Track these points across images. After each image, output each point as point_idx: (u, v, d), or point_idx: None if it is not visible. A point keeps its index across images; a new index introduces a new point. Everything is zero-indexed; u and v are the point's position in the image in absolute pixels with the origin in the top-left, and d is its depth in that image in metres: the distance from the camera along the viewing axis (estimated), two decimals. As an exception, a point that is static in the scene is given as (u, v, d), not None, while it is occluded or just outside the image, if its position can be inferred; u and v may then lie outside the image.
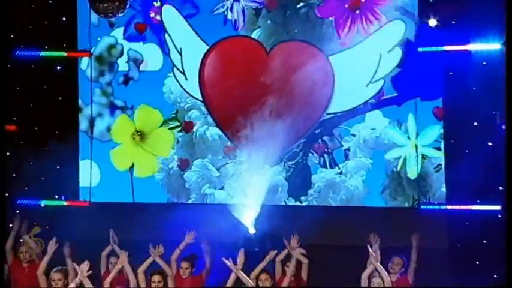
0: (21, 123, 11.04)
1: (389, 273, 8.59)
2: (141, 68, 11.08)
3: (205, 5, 10.89)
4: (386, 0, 10.30)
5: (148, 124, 11.00)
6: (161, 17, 11.03)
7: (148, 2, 11.11)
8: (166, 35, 11.03)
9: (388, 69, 10.35)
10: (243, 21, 10.74)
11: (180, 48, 10.94)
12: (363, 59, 10.42)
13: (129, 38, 11.15)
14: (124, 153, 11.16)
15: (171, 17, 11.05)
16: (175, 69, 10.96)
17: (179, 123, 10.95)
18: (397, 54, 10.29)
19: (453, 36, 9.96)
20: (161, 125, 11.06)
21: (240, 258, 8.41)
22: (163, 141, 11.06)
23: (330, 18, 10.46)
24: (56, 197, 11.11)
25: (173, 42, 10.92)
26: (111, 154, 11.22)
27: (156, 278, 8.62)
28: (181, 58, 10.93)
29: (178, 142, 10.95)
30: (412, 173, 10.26)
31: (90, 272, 8.18)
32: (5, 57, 10.77)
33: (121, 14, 8.86)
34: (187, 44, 10.96)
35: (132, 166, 11.12)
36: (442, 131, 10.17)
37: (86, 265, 8.28)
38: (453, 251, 9.88)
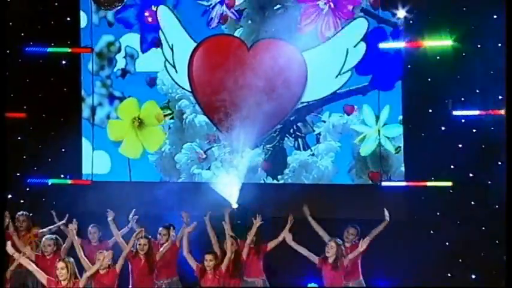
0: (31, 111, 11.01)
1: (344, 241, 8.73)
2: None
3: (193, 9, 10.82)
4: (356, 3, 10.27)
5: (149, 118, 10.92)
6: (156, 15, 10.88)
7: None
8: (160, 32, 10.88)
9: (354, 62, 10.27)
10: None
11: (172, 45, 10.87)
12: (332, 54, 10.34)
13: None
14: (120, 128, 11.02)
15: (165, 16, 10.92)
16: (167, 63, 10.84)
17: (171, 112, 10.87)
18: (362, 48, 10.22)
19: (411, 34, 9.96)
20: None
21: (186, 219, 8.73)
22: (155, 138, 10.95)
23: (304, 18, 10.30)
24: (62, 176, 11.05)
25: (166, 39, 10.85)
26: (109, 123, 11.10)
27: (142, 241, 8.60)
28: (173, 54, 10.87)
29: (169, 128, 10.85)
30: (373, 153, 10.21)
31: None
32: (16, 53, 10.94)
33: (119, 6, 9.15)
34: (178, 41, 10.86)
35: (121, 142, 11.00)
36: (401, 117, 10.12)
37: (74, 225, 8.34)
38: (411, 222, 9.89)
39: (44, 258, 8.58)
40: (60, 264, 7.33)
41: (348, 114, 10.39)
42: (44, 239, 8.77)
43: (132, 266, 8.51)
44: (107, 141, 11.12)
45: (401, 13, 9.89)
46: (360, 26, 10.29)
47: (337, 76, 10.39)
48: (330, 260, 8.20)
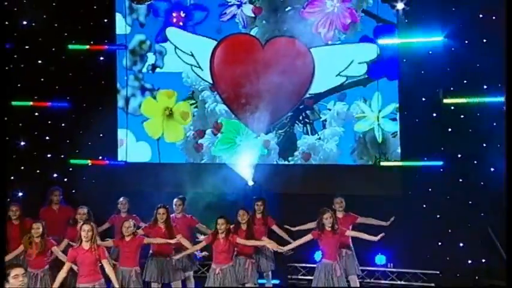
0: (74, 102, 11.07)
1: (335, 212, 8.54)
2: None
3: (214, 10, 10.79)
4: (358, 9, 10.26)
5: (170, 102, 10.93)
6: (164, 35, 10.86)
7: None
8: (177, 49, 10.86)
9: (354, 73, 10.23)
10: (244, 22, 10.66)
11: (191, 52, 10.84)
12: (339, 56, 10.33)
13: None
14: (155, 125, 10.99)
15: (175, 36, 10.86)
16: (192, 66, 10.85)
17: (195, 101, 10.86)
18: (364, 49, 10.14)
19: (406, 31, 9.94)
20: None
21: None
22: (174, 133, 10.90)
23: (312, 19, 10.35)
24: (100, 157, 11.09)
25: (182, 51, 10.81)
26: (144, 125, 11.01)
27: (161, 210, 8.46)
28: (194, 57, 10.84)
29: (194, 116, 10.88)
30: (375, 137, 10.22)
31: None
32: (60, 50, 11.09)
33: (150, 1, 9.32)
34: (196, 45, 10.79)
35: (162, 134, 10.96)
36: (397, 105, 10.15)
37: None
38: (405, 197, 9.93)
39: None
40: (87, 227, 7.17)
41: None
42: (79, 209, 8.62)
43: (153, 235, 8.32)
44: (140, 128, 11.05)
45: (400, 5, 9.85)
46: (367, 49, 10.16)
47: (339, 73, 10.32)
48: (328, 228, 7.99)
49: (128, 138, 11.08)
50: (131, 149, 11.08)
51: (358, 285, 8.80)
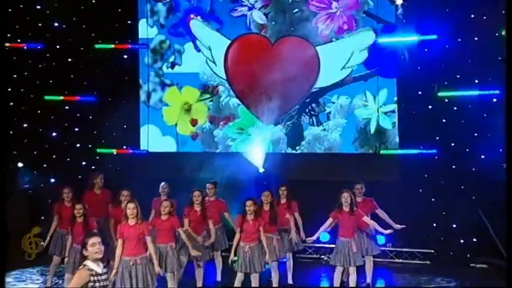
0: (100, 96, 11.09)
1: (355, 196, 8.36)
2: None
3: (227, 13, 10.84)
4: (358, 7, 10.28)
5: (192, 99, 11.01)
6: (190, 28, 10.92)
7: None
8: (197, 41, 10.91)
9: (357, 61, 10.29)
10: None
11: (209, 46, 10.91)
12: (340, 48, 10.37)
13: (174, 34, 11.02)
14: (172, 112, 11.03)
15: (198, 28, 10.92)
16: (207, 59, 10.87)
17: (210, 96, 10.94)
18: (365, 47, 10.22)
19: (404, 30, 9.96)
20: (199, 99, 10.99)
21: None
22: (186, 126, 10.95)
23: (315, 21, 10.34)
24: (124, 147, 11.16)
25: (202, 44, 10.89)
26: (163, 110, 11.03)
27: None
28: (211, 52, 10.90)
29: (209, 109, 10.92)
30: (375, 128, 10.28)
31: None
32: (88, 49, 11.13)
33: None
34: (214, 41, 10.85)
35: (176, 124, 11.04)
36: (396, 99, 10.21)
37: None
38: (403, 183, 9.97)
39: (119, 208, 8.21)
40: (132, 205, 7.19)
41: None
42: (122, 191, 8.44)
43: (189, 217, 8.32)
44: (161, 120, 11.09)
45: (399, 1, 9.85)
46: (367, 35, 10.20)
47: (342, 68, 10.37)
48: (346, 209, 7.92)
49: (149, 129, 11.10)
50: (152, 139, 11.11)
51: (372, 265, 8.63)
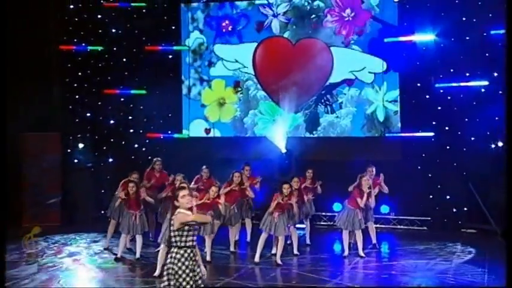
0: (149, 90, 11.24)
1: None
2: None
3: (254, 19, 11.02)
4: (366, 13, 10.48)
5: (225, 92, 11.20)
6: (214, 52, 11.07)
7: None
8: (223, 62, 11.10)
9: (364, 78, 10.47)
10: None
11: (235, 59, 11.06)
12: (351, 55, 10.53)
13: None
14: (212, 111, 11.26)
15: (220, 50, 11.09)
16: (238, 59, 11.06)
17: (241, 89, 11.08)
18: (371, 77, 10.39)
19: (405, 31, 10.15)
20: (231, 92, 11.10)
21: None
22: (227, 114, 11.17)
23: (330, 25, 10.59)
24: (169, 132, 11.35)
25: (227, 61, 11.06)
26: (205, 112, 11.19)
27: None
28: (238, 61, 11.03)
29: (240, 100, 11.13)
30: (380, 115, 10.45)
31: None
32: (140, 50, 11.28)
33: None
34: (238, 51, 10.99)
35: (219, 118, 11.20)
36: (398, 90, 10.33)
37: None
38: (404, 161, 10.14)
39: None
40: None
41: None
42: (176, 176, 8.41)
43: (228, 198, 8.36)
44: (199, 110, 11.32)
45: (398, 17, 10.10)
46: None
47: (351, 71, 10.50)
48: (364, 189, 8.06)
49: (190, 117, 11.33)
50: (193, 126, 11.36)
51: (374, 231, 8.78)
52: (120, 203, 8.47)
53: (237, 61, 11.18)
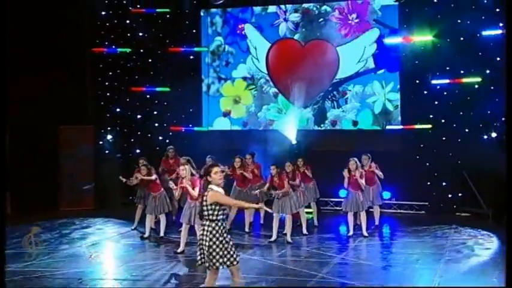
0: (172, 87, 11.37)
1: (362, 165, 8.58)
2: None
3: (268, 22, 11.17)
4: (369, 17, 10.61)
5: (241, 91, 11.38)
6: (244, 30, 11.27)
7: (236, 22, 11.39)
8: (248, 41, 11.25)
9: (368, 54, 10.60)
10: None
11: (255, 46, 11.24)
12: (355, 48, 10.66)
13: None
14: (226, 102, 11.44)
15: (249, 30, 11.27)
16: (253, 57, 11.21)
17: (255, 86, 11.24)
18: (373, 47, 10.56)
19: (404, 33, 10.27)
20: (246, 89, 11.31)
21: None
22: (239, 111, 11.30)
23: (336, 28, 10.67)
24: (190, 125, 11.50)
25: (252, 44, 11.27)
26: (220, 100, 11.37)
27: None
28: (256, 51, 11.18)
29: (254, 96, 11.31)
30: (382, 109, 10.55)
31: None
32: (164, 52, 11.40)
33: (221, 1, 8.94)
34: (259, 42, 11.20)
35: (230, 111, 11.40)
36: (399, 86, 10.46)
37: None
38: (404, 151, 10.24)
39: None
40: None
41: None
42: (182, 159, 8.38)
43: (240, 182, 8.72)
44: (217, 105, 11.51)
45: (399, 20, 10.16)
46: (374, 33, 10.57)
47: (357, 62, 10.65)
48: (353, 172, 8.30)
49: (209, 112, 11.53)
50: (212, 120, 11.57)
51: (379, 213, 8.89)
52: (142, 188, 8.65)
53: (255, 49, 11.25)
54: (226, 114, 11.46)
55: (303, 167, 9.10)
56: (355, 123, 10.77)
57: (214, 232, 4.99)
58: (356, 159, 8.56)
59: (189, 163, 8.23)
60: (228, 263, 5.03)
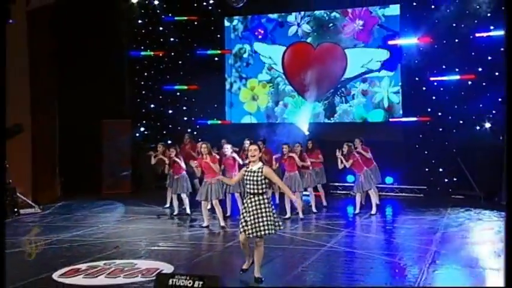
0: (200, 85, 11.36)
1: (356, 147, 8.53)
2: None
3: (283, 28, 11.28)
4: (374, 21, 10.72)
5: (260, 87, 11.52)
6: (253, 48, 11.35)
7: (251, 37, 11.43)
8: (260, 56, 11.42)
9: (374, 55, 10.69)
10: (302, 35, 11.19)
11: (269, 56, 11.38)
12: (362, 53, 10.80)
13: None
14: (249, 101, 11.61)
15: (259, 48, 11.41)
16: (269, 64, 11.42)
17: (272, 84, 11.41)
18: (378, 49, 10.66)
19: (405, 35, 10.38)
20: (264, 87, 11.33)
21: None
22: (263, 99, 11.52)
23: (344, 32, 10.84)
24: (215, 119, 11.76)
25: (263, 56, 11.41)
26: (240, 97, 11.56)
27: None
28: (271, 58, 11.36)
29: (271, 93, 11.41)
30: (385, 104, 10.63)
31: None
32: (192, 54, 11.66)
33: (241, 4, 8.84)
34: (272, 50, 11.34)
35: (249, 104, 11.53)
36: (400, 83, 10.56)
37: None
38: (405, 141, 10.40)
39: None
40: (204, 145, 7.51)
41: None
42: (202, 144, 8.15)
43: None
44: (239, 102, 11.73)
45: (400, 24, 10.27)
46: (382, 53, 10.60)
47: (363, 65, 10.77)
48: (344, 151, 8.33)
49: (232, 107, 11.74)
50: (234, 114, 11.78)
51: (376, 197, 8.70)
52: (170, 174, 8.83)
53: (270, 58, 11.45)
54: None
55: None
56: (362, 119, 10.89)
57: (244, 205, 5.16)
58: (350, 143, 8.55)
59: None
60: (275, 229, 5.12)
